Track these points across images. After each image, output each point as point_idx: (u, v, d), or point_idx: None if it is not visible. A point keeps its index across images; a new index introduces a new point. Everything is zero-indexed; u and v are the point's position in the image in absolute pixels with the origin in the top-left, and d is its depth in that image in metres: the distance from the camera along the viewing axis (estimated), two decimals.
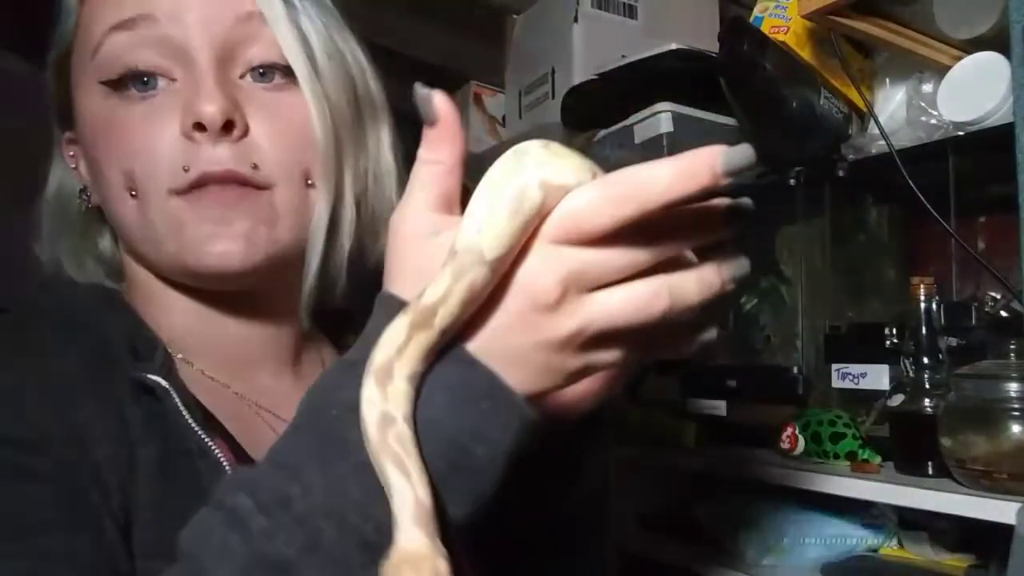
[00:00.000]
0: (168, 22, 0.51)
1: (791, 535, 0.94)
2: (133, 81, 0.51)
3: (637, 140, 1.10)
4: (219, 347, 0.58)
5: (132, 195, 0.51)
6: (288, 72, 0.53)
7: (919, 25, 0.83)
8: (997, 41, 0.76)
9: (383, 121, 0.61)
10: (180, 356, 0.56)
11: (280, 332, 0.60)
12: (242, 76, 0.53)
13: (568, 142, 1.22)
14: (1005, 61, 0.75)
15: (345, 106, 0.56)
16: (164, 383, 0.49)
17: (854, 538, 0.95)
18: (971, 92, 0.79)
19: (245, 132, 0.51)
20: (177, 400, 0.49)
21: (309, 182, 0.54)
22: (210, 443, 0.49)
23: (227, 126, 0.50)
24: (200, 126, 0.50)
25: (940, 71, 0.84)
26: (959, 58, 0.82)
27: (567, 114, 1.23)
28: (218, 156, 0.50)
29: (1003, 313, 0.83)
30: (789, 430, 0.91)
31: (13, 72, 1.22)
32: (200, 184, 0.50)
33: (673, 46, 1.07)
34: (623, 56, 1.14)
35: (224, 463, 0.48)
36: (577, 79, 1.24)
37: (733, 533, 0.97)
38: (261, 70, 0.53)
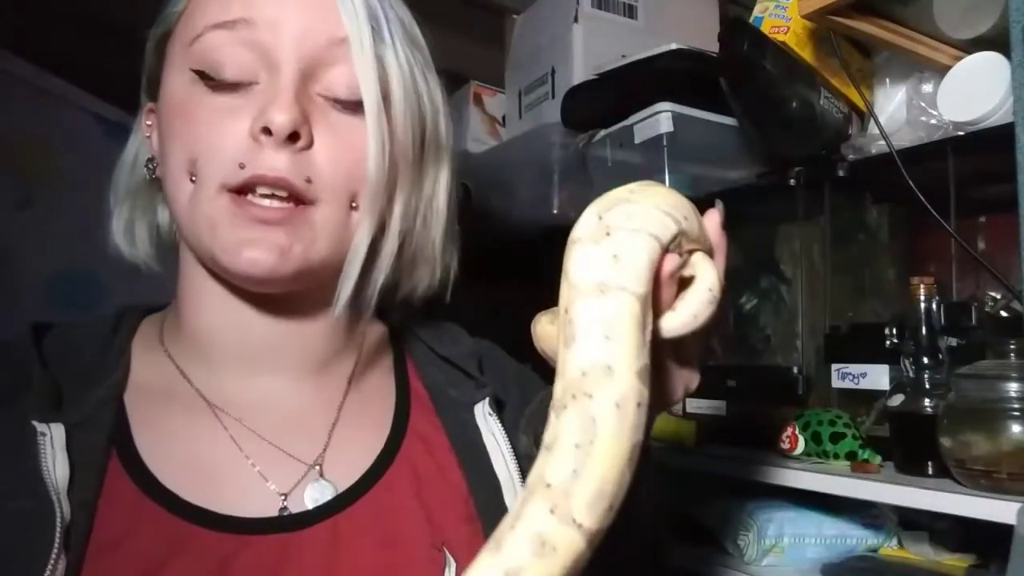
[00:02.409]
0: (265, 29, 0.53)
1: (791, 535, 0.94)
2: (220, 76, 0.53)
3: (637, 140, 1.10)
4: (243, 342, 0.58)
5: (191, 180, 0.53)
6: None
7: (919, 25, 0.83)
8: (997, 41, 0.76)
9: (444, 164, 0.62)
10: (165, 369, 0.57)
11: (306, 338, 0.60)
12: (320, 93, 0.54)
13: (567, 144, 1.23)
14: (1005, 61, 0.74)
15: (410, 144, 0.57)
16: (39, 427, 0.49)
17: (854, 538, 0.95)
18: (971, 92, 0.79)
19: (308, 145, 0.53)
20: (43, 447, 0.48)
21: (354, 205, 0.55)
22: (55, 497, 0.46)
23: (292, 136, 0.52)
24: (267, 131, 0.51)
25: (940, 71, 0.84)
26: (959, 58, 0.82)
27: (567, 114, 1.23)
28: (276, 163, 0.52)
29: (1003, 313, 0.83)
30: (789, 430, 0.91)
31: (13, 72, 1.22)
32: (251, 185, 0.52)
33: (673, 46, 1.07)
34: (623, 56, 1.14)
35: (57, 522, 0.45)
36: (577, 79, 1.24)
37: (733, 533, 0.97)
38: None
